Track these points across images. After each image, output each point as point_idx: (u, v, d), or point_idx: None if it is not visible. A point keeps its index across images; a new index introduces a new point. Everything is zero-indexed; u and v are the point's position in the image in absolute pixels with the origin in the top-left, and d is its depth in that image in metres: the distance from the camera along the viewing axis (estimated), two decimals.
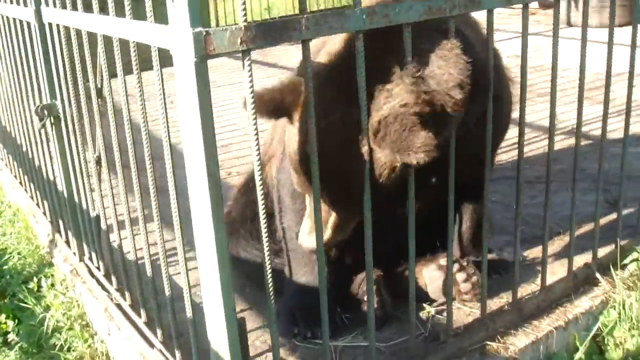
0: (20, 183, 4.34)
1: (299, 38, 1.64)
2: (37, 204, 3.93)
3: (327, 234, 2.24)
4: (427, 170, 2.06)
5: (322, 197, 2.16)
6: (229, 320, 1.75)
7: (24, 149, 3.90)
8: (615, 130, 3.97)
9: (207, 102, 1.55)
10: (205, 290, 1.78)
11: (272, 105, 1.94)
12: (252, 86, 1.60)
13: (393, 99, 1.86)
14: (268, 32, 1.59)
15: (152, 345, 2.44)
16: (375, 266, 2.55)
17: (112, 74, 2.38)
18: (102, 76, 2.45)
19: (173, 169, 1.92)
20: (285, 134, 2.21)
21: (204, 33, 1.50)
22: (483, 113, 2.13)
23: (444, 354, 2.30)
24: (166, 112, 1.87)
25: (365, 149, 1.90)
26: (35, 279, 3.53)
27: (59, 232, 3.51)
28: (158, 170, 2.13)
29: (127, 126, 2.22)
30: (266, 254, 1.81)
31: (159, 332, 2.41)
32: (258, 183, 1.71)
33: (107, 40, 2.26)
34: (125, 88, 2.14)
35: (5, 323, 3.35)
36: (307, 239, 2.29)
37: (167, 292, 2.22)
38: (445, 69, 1.92)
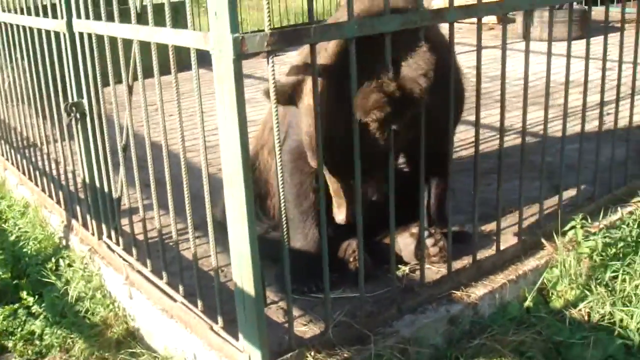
0: (30, 178, 4.78)
1: (309, 42, 2.18)
2: (50, 195, 4.37)
3: (343, 206, 2.76)
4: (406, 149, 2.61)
5: (329, 168, 2.68)
6: (255, 265, 2.24)
7: (39, 146, 4.37)
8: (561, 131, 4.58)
9: (242, 89, 2.06)
10: (234, 242, 2.27)
11: (283, 95, 2.48)
12: (274, 79, 2.12)
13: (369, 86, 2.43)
14: (287, 37, 2.12)
15: (174, 300, 2.93)
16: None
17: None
18: (134, 76, 2.94)
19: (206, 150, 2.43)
20: (301, 121, 2.72)
21: (240, 37, 2.02)
22: (445, 99, 2.68)
23: (418, 299, 2.83)
24: (201, 106, 2.38)
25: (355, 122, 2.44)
26: (52, 260, 3.96)
27: (75, 217, 3.97)
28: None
29: (145, 124, 2.78)
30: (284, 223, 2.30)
31: (181, 288, 2.90)
32: (277, 160, 2.23)
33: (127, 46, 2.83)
34: (145, 92, 2.64)
35: (26, 299, 3.77)
36: (337, 215, 2.80)
37: (193, 250, 2.71)
38: (416, 61, 2.49)
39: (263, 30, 2.08)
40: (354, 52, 2.29)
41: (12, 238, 4.42)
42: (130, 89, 2.99)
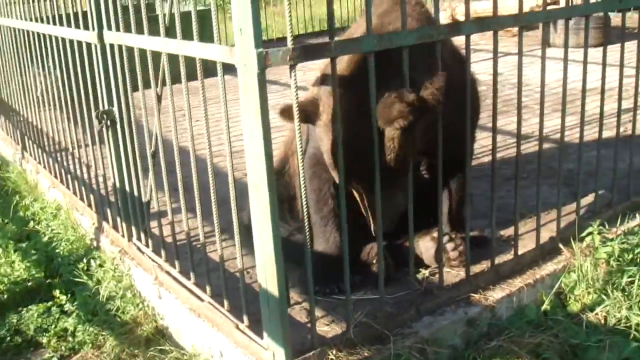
0: (62, 182, 4.94)
1: (330, 56, 2.28)
2: (81, 198, 4.53)
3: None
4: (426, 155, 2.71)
5: (355, 183, 2.79)
6: (278, 266, 2.35)
7: (70, 151, 4.54)
8: (585, 136, 4.63)
9: (265, 100, 2.18)
10: (259, 245, 2.39)
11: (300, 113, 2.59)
12: (297, 91, 2.23)
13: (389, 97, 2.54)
14: (308, 52, 2.22)
15: (202, 300, 3.05)
16: None
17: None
18: (162, 85, 3.07)
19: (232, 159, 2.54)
20: (322, 139, 2.82)
21: (264, 52, 2.13)
22: (460, 109, 2.77)
23: (437, 301, 2.92)
24: (227, 115, 2.49)
25: (374, 129, 2.55)
26: (84, 260, 4.11)
27: (106, 219, 4.12)
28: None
29: (174, 130, 2.91)
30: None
31: (208, 289, 3.02)
32: (300, 168, 2.33)
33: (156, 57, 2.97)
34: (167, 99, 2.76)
35: (59, 297, 3.91)
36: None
37: (220, 252, 2.83)
38: (431, 76, 2.59)
39: (286, 45, 2.18)
40: (373, 66, 2.39)
41: (45, 239, 4.59)
42: (159, 98, 3.12)
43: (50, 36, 4.35)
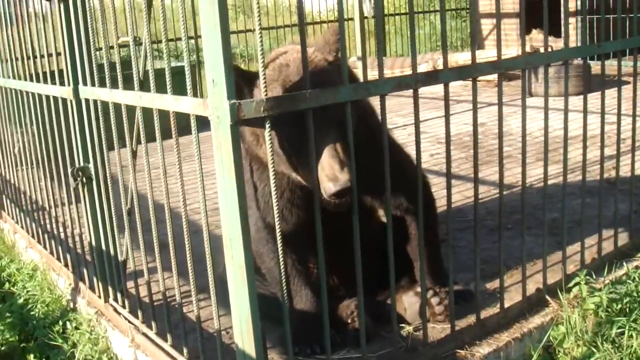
0: (39, 241, 4.83)
1: (305, 107, 2.22)
2: (58, 258, 4.41)
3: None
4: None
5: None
6: (255, 326, 2.25)
7: (47, 210, 4.44)
8: (570, 185, 4.60)
9: (239, 153, 2.11)
10: (235, 304, 2.29)
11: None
12: (271, 144, 2.16)
13: None
14: (282, 103, 2.17)
15: None
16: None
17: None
18: (137, 140, 3.00)
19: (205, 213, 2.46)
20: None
21: (237, 104, 2.07)
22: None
23: (422, 358, 2.81)
24: (201, 170, 2.43)
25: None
26: (60, 323, 3.97)
27: (83, 280, 4.00)
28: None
29: (149, 187, 2.84)
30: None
31: (185, 350, 2.90)
32: (277, 219, 2.25)
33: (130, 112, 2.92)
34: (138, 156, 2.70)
35: None
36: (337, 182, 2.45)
37: (196, 312, 2.73)
38: None
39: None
40: (350, 113, 2.34)
41: (21, 301, 4.45)
42: (134, 154, 3.05)
43: (27, 92, 4.30)
